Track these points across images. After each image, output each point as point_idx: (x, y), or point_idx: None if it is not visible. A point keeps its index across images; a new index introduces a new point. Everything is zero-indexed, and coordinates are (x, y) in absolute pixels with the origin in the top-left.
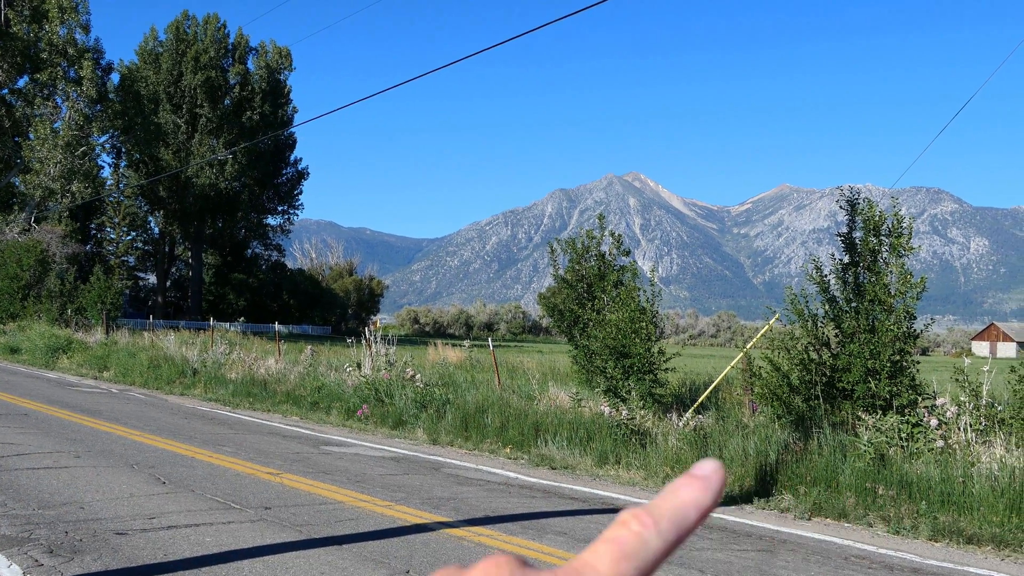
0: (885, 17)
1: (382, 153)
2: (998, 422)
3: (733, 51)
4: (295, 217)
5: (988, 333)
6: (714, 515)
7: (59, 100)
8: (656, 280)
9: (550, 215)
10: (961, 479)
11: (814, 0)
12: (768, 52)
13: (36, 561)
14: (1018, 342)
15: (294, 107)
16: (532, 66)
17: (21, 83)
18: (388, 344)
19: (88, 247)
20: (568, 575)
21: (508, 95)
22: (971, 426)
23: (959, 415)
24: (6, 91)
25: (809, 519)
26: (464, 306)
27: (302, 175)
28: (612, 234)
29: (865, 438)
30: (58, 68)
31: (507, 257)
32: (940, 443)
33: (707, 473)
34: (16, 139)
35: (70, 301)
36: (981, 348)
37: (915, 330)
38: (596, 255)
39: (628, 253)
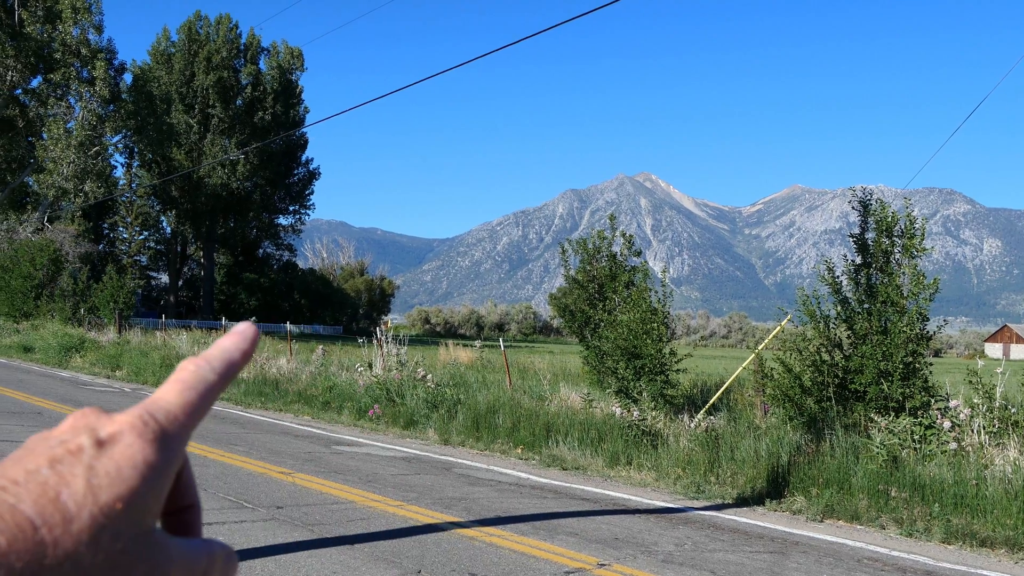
0: (898, 17)
1: (393, 153)
2: (1012, 424)
3: (745, 51)
4: (306, 217)
5: (1001, 335)
6: (726, 516)
7: (72, 100)
8: (667, 281)
9: (561, 215)
10: (974, 482)
11: (826, 1)
12: (780, 52)
13: None
14: None
15: (306, 107)
16: (543, 66)
17: (35, 83)
18: (399, 344)
19: (101, 246)
20: (143, 410)
21: (519, 95)
22: (984, 428)
23: (972, 417)
24: (20, 91)
25: (821, 521)
26: (475, 306)
27: (313, 175)
28: (623, 234)
29: (878, 440)
30: (71, 68)
31: (518, 257)
32: (953, 445)
33: (243, 328)
34: (30, 139)
35: (83, 300)
36: (994, 350)
37: (928, 332)
38: (607, 256)
39: (639, 254)
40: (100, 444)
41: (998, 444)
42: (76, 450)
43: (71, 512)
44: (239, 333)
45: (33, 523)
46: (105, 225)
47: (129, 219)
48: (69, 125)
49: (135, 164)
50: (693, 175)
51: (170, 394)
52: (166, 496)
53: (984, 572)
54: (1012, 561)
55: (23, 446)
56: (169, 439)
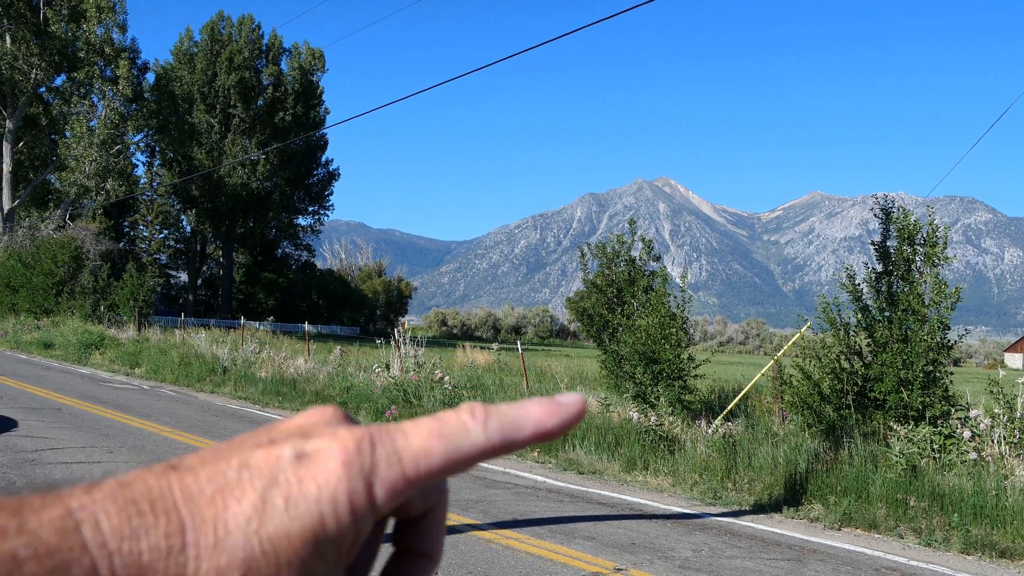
0: (921, 26)
1: (413, 155)
2: None
3: (766, 58)
4: (325, 218)
5: (1021, 345)
6: (743, 523)
7: (95, 99)
8: (686, 286)
9: (579, 219)
10: (994, 492)
11: (849, 8)
12: (801, 59)
13: None
14: None
15: (326, 108)
16: (564, 71)
17: (58, 81)
18: (417, 345)
19: (121, 244)
20: (369, 435)
21: (539, 99)
22: (1005, 439)
23: (993, 427)
24: (44, 89)
25: (839, 529)
26: (492, 309)
27: (333, 176)
28: (642, 239)
29: (897, 449)
30: (95, 67)
31: (536, 261)
32: (973, 455)
33: (567, 402)
34: (53, 137)
35: (103, 298)
36: (1014, 360)
37: (949, 341)
38: (626, 260)
39: (658, 259)
40: (300, 458)
41: (1018, 455)
42: (273, 459)
43: (225, 535)
44: (556, 405)
45: (184, 535)
46: (126, 223)
47: (149, 217)
48: (92, 123)
49: (156, 163)
50: (712, 180)
51: (420, 430)
52: (362, 542)
53: None
54: None
55: (252, 431)
56: (376, 482)
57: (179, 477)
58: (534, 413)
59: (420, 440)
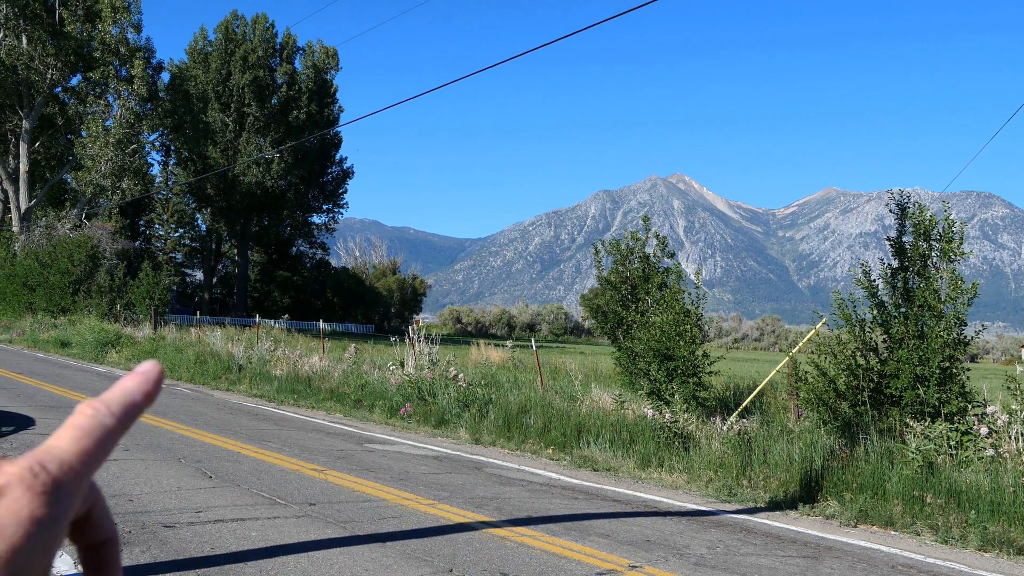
0: (936, 19)
1: (426, 153)
2: None
3: (780, 53)
4: (340, 216)
5: None
6: (758, 520)
7: (111, 98)
8: (700, 283)
9: (593, 216)
10: (1012, 489)
11: (864, 3)
12: (816, 54)
13: None
14: None
15: (340, 107)
16: (578, 67)
17: (74, 81)
18: (431, 343)
19: (137, 243)
20: (33, 460)
21: (553, 96)
22: (1023, 435)
23: (1010, 424)
24: (59, 89)
25: (855, 526)
26: (506, 306)
27: (347, 174)
28: (656, 236)
29: (913, 445)
30: (110, 67)
31: (550, 258)
32: (990, 452)
33: (147, 369)
34: (69, 136)
35: (119, 296)
36: None
37: (965, 337)
38: (640, 257)
39: (673, 255)
40: None
41: None
42: None
43: None
44: (142, 374)
45: None
46: (141, 222)
47: (165, 216)
48: (107, 123)
49: (171, 162)
50: (726, 177)
51: (64, 441)
52: (71, 532)
53: None
54: None
55: None
56: (61, 490)
57: None
58: (132, 385)
59: (73, 444)
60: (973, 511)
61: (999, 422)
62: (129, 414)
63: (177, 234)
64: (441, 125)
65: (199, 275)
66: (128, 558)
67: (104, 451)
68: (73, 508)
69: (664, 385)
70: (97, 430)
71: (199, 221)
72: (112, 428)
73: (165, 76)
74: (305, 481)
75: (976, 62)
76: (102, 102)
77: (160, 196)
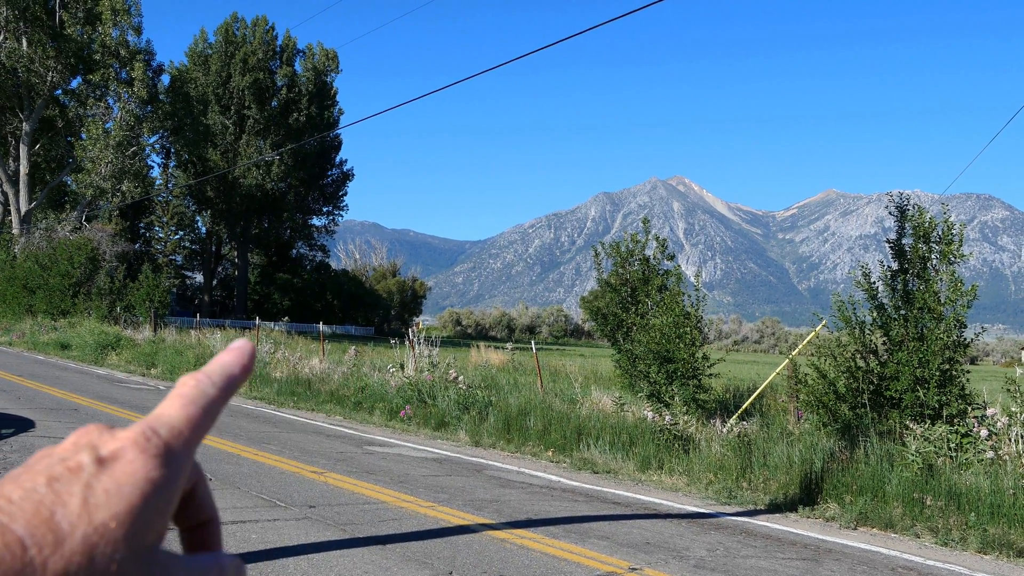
0: (937, 21)
1: (426, 155)
2: None
3: (780, 55)
4: (340, 218)
5: None
6: (758, 522)
7: (111, 101)
8: (700, 285)
9: (593, 218)
10: (1012, 491)
11: (864, 4)
12: (816, 56)
13: None
14: None
15: (340, 109)
16: (577, 70)
17: (74, 84)
18: (431, 345)
19: (137, 246)
20: (145, 425)
21: (553, 99)
22: (1023, 437)
23: (1010, 426)
24: (60, 92)
25: (855, 528)
26: (506, 309)
27: (347, 176)
28: (656, 238)
29: (913, 448)
30: (110, 69)
31: (549, 260)
32: (990, 454)
33: (241, 344)
34: (69, 139)
35: (119, 299)
36: None
37: (965, 339)
38: (640, 259)
39: (672, 257)
40: (101, 462)
41: None
42: (75, 468)
43: (64, 532)
44: (237, 349)
45: (23, 543)
46: (141, 225)
47: (165, 219)
48: (107, 125)
49: (171, 164)
50: (726, 179)
51: (173, 408)
52: (175, 512)
53: None
54: None
55: (25, 464)
56: (173, 454)
57: None
58: (229, 359)
59: (181, 411)
60: (973, 513)
61: (999, 424)
62: (229, 385)
63: (177, 236)
64: (441, 127)
65: (199, 277)
66: None
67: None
68: (184, 474)
69: (664, 387)
70: (201, 399)
71: (199, 223)
72: (214, 397)
73: (165, 78)
74: (305, 483)
75: (976, 64)
76: (102, 104)
77: (160, 198)
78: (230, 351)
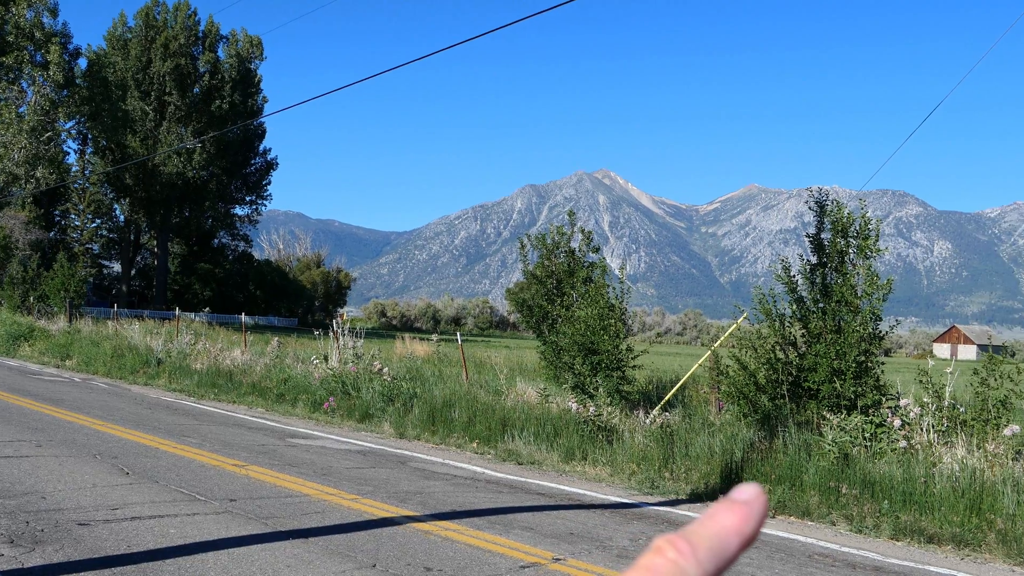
0: (856, 23)
1: (352, 145)
2: (960, 423)
3: (704, 53)
4: (263, 208)
5: (949, 335)
6: (680, 512)
7: (25, 84)
8: (625, 278)
9: (519, 210)
10: (923, 479)
11: (785, 5)
12: (739, 55)
13: None
14: (978, 345)
15: (264, 97)
16: (504, 63)
17: None
18: (355, 337)
19: (52, 234)
20: None
21: (479, 91)
22: (933, 427)
23: (922, 416)
24: None
25: (773, 517)
26: (432, 300)
27: (271, 165)
28: (582, 230)
29: (829, 437)
30: (24, 52)
31: (475, 252)
32: (903, 443)
33: (749, 498)
34: None
35: (32, 288)
36: (942, 350)
37: (880, 331)
38: (566, 251)
39: (598, 250)
40: None
41: (946, 442)
42: None
43: None
44: (742, 506)
45: None
46: (57, 212)
47: (81, 207)
48: (21, 110)
49: (88, 151)
50: (651, 173)
51: None
52: None
53: (932, 568)
54: (958, 557)
55: None
56: None
57: None
58: (729, 523)
59: None
60: (886, 501)
61: (912, 414)
62: (719, 567)
63: (94, 224)
64: (368, 118)
65: (117, 267)
66: (39, 557)
67: None
68: None
69: (588, 379)
70: None
71: (117, 212)
72: None
73: (82, 62)
74: (226, 477)
75: (893, 65)
76: (15, 88)
77: (76, 186)
78: (729, 506)
